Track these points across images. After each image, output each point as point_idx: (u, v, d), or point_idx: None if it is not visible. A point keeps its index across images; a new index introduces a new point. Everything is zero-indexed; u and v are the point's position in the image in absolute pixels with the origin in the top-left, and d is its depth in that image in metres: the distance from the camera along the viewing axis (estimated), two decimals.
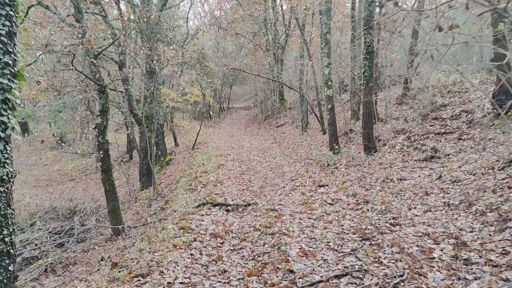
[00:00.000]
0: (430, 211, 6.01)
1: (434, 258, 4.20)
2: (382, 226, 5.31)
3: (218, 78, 30.32)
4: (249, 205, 7.30)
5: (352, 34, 17.74)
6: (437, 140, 10.99)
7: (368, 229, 5.23)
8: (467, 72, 17.98)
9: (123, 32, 12.48)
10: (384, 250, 4.48)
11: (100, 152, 9.46)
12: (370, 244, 4.72)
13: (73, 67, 8.70)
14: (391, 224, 5.41)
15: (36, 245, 9.29)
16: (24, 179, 22.16)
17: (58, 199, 16.99)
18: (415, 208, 6.25)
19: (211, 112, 33.53)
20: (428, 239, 4.77)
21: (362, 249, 4.58)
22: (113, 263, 4.61)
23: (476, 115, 11.32)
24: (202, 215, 6.64)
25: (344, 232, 5.27)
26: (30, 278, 7.63)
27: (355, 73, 17.83)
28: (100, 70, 9.58)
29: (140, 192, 15.36)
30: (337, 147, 12.89)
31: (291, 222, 6.02)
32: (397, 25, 15.25)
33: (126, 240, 6.99)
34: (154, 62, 10.80)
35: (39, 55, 13.75)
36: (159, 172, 18.81)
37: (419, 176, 8.25)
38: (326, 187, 8.42)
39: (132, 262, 4.49)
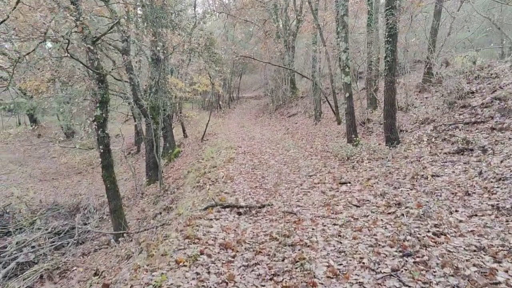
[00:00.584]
0: (476, 215, 5.13)
1: (499, 283, 3.34)
2: (424, 237, 4.45)
3: (227, 66, 29.39)
4: (263, 206, 6.48)
5: (368, 18, 16.62)
6: (468, 130, 10.01)
7: (408, 241, 4.38)
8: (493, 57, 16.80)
9: (125, 17, 11.63)
10: (434, 271, 3.63)
11: (100, 147, 8.69)
12: (414, 262, 3.87)
13: (68, 54, 7.90)
14: (434, 233, 4.55)
15: (33, 247, 8.60)
16: (31, 172, 21.69)
17: (63, 194, 16.42)
18: (456, 211, 5.37)
19: (220, 102, 32.63)
20: (484, 254, 3.90)
21: (405, 269, 3.73)
22: (103, 285, 3.83)
23: (510, 103, 10.31)
24: (211, 219, 5.84)
25: (379, 244, 4.42)
26: (24, 286, 6.95)
27: (372, 59, 16.81)
28: (99, 58, 8.77)
29: (147, 186, 14.65)
30: (356, 138, 11.98)
31: (313, 229, 5.19)
32: (419, 4, 14.17)
33: (126, 246, 6.23)
34: (159, 48, 9.95)
35: (38, 44, 13.00)
36: (167, 165, 18.11)
37: (453, 172, 7.33)
38: (349, 184, 7.56)
39: (125, 286, 3.71)
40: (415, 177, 7.31)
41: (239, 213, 6.21)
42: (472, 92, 12.19)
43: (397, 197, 6.21)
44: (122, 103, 21.61)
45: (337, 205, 6.16)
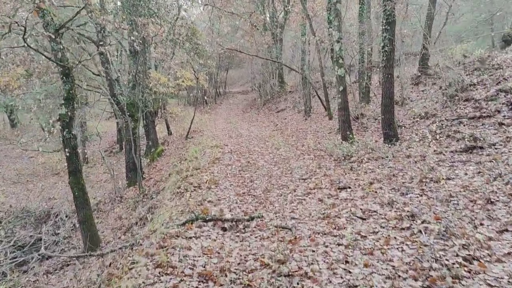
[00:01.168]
0: (506, 230, 4.28)
1: None
2: (453, 264, 3.57)
3: (212, 59, 28.33)
4: (253, 219, 5.55)
5: (360, 7, 15.71)
6: (473, 125, 9.21)
7: (435, 270, 3.49)
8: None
9: (97, 4, 10.52)
10: None
11: (66, 149, 7.64)
12: None
13: (25, 44, 6.83)
14: (464, 258, 3.67)
15: None
16: (4, 173, 20.42)
17: (37, 198, 15.22)
18: (482, 225, 4.52)
19: (206, 98, 31.56)
20: None
21: None
22: None
23: None
24: (190, 238, 4.89)
25: (399, 275, 3.53)
26: None
27: (364, 50, 15.96)
28: (63, 48, 7.68)
29: (127, 189, 13.57)
30: (351, 135, 11.12)
31: (313, 251, 4.28)
32: None
33: (92, 269, 5.24)
34: (133, 38, 8.90)
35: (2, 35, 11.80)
36: (149, 165, 17.04)
37: (466, 174, 6.50)
38: (349, 190, 6.66)
39: None
40: (424, 180, 6.45)
41: (224, 229, 5.26)
42: (473, 84, 11.41)
43: (407, 206, 5.34)
44: (101, 99, 20.41)
45: (339, 217, 5.26)
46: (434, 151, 8.33)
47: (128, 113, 12.72)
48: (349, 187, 6.77)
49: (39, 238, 9.15)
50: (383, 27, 9.71)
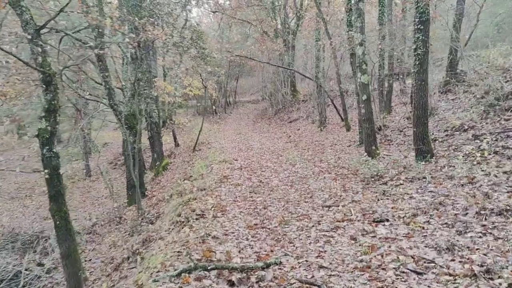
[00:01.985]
0: None
1: None
2: None
3: (221, 67, 27.30)
4: (269, 266, 4.27)
5: (380, 10, 14.44)
6: None
7: None
8: None
9: (95, 6, 9.44)
10: None
11: (46, 170, 6.47)
12: None
13: None
14: None
15: None
16: (5, 187, 19.47)
17: (32, 217, 14.16)
18: None
19: (215, 107, 30.49)
20: None
21: None
22: None
23: None
24: None
25: None
26: None
27: (384, 55, 14.69)
28: (46, 52, 6.57)
29: (127, 208, 12.41)
30: (376, 150, 9.83)
31: None
32: None
33: None
34: (128, 40, 7.76)
35: None
36: (153, 180, 15.91)
37: None
38: (387, 223, 5.35)
39: None
40: (482, 212, 5.11)
41: (231, 283, 3.99)
42: None
43: (474, 253, 4.02)
44: (105, 109, 19.39)
45: (384, 269, 3.94)
46: (482, 171, 6.98)
47: (128, 125, 11.60)
48: (387, 220, 5.45)
49: (20, 271, 7.97)
50: (416, 27, 8.44)
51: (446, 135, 10.13)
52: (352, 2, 10.33)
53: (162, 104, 23.46)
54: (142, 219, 9.69)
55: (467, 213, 5.24)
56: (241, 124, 26.72)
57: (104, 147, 28.62)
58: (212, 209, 6.82)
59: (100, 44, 10.97)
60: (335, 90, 22.21)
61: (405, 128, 12.52)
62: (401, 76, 16.42)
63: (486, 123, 9.31)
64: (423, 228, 4.95)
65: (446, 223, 5.01)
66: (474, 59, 12.69)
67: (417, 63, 8.50)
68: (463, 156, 7.89)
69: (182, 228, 6.08)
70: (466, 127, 9.72)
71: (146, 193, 13.10)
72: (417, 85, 8.61)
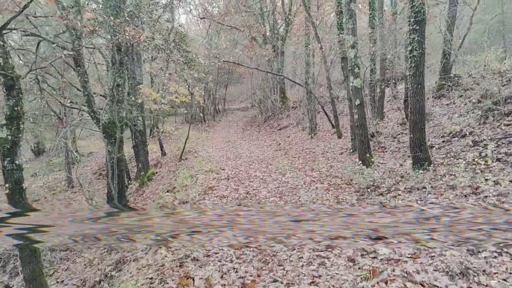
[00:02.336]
0: None
1: None
2: None
3: (210, 74, 26.73)
4: None
5: (371, 13, 14.02)
6: None
7: None
8: None
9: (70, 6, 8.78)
10: None
11: (7, 185, 5.79)
12: None
13: None
14: None
15: None
16: None
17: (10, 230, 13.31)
18: None
19: (201, 114, 29.90)
20: None
21: None
22: None
23: None
24: None
25: None
26: None
27: (377, 60, 14.26)
28: (8, 53, 5.93)
29: None
30: (370, 158, 9.30)
31: None
32: None
33: None
34: (103, 42, 7.16)
35: None
36: (137, 191, 15.19)
37: None
38: (387, 241, 4.78)
39: None
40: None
41: None
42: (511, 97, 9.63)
43: (492, 278, 3.46)
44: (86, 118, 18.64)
45: None
46: (486, 180, 6.47)
47: (108, 133, 10.93)
48: (385, 237, 4.88)
49: None
50: (411, 27, 7.96)
51: (443, 141, 9.65)
52: (343, 2, 9.84)
53: (150, 112, 22.84)
54: None
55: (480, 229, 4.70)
56: (230, 132, 26.12)
57: (89, 157, 27.80)
58: (192, 229, 6.18)
59: (76, 47, 10.36)
60: (326, 97, 21.78)
61: (399, 134, 12.05)
62: (393, 81, 16.00)
63: (485, 129, 8.84)
64: (429, 248, 4.39)
65: (455, 242, 4.45)
66: (469, 63, 12.28)
67: (413, 65, 8.01)
68: (464, 164, 7.38)
69: (160, 248, 5.43)
70: (464, 133, 9.25)
71: (128, 205, 12.38)
72: (413, 89, 8.11)
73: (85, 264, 8.50)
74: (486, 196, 5.77)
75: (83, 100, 17.56)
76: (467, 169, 7.28)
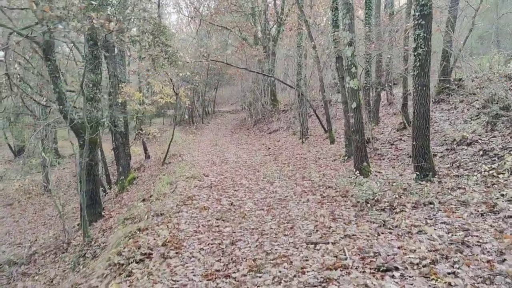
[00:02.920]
0: None
1: None
2: None
3: (198, 74, 25.79)
4: None
5: (367, 13, 13.23)
6: None
7: None
8: None
9: None
10: None
11: None
12: None
13: None
14: None
15: None
16: None
17: None
18: None
19: (187, 117, 29.02)
20: None
21: None
22: None
23: None
24: None
25: None
26: None
27: (372, 61, 13.47)
28: None
29: (79, 231, 10.64)
30: (368, 167, 8.45)
31: None
32: None
33: None
34: (66, 33, 6.20)
35: None
36: (116, 197, 14.19)
37: None
38: (396, 274, 3.88)
39: None
40: None
41: None
42: None
43: None
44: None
45: None
46: (502, 196, 5.64)
47: (82, 134, 9.98)
48: (396, 268, 3.98)
49: None
50: (416, 22, 7.13)
51: (447, 149, 8.85)
52: None
53: (136, 113, 21.79)
54: (88, 247, 8.01)
55: (504, 260, 3.83)
56: (218, 135, 25.16)
57: (70, 158, 26.58)
58: (164, 245, 5.24)
59: (47, 40, 9.38)
60: (318, 100, 20.99)
61: (396, 141, 11.25)
62: (390, 84, 15.24)
63: (494, 137, 8.05)
64: (450, 284, 3.50)
65: (480, 276, 3.57)
66: (472, 65, 11.53)
67: (418, 64, 7.18)
68: (476, 176, 6.54)
69: (119, 274, 4.48)
70: (469, 141, 8.45)
71: (103, 213, 11.39)
72: (417, 91, 7.28)
73: (45, 283, 7.49)
74: (506, 216, 4.93)
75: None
76: (478, 182, 6.46)
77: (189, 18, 32.53)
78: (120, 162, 15.97)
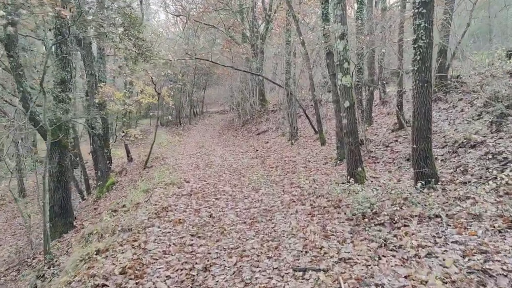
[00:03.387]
0: None
1: None
2: None
3: (182, 71, 24.84)
4: None
5: (358, 7, 12.49)
6: None
7: None
8: None
9: None
10: None
11: None
12: None
13: None
14: None
15: None
16: None
17: None
18: None
19: (169, 117, 28.16)
20: None
21: None
22: None
23: None
24: None
25: None
26: None
27: (364, 58, 12.71)
28: None
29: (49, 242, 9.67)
30: (362, 172, 7.65)
31: None
32: None
33: None
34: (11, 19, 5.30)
35: None
36: (93, 204, 13.21)
37: None
38: None
39: None
40: None
41: None
42: None
43: None
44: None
45: None
46: None
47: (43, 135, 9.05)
48: None
49: None
50: (416, 11, 6.34)
51: (448, 152, 8.09)
52: None
53: (122, 115, 20.86)
54: (49, 266, 7.09)
55: None
56: (205, 136, 24.27)
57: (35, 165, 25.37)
58: (124, 273, 4.36)
59: (8, 34, 8.43)
60: (307, 100, 20.22)
61: (392, 142, 10.49)
62: (383, 82, 14.50)
63: (501, 138, 7.31)
64: None
65: None
66: (471, 60, 10.82)
67: (418, 58, 6.38)
68: (488, 184, 5.76)
69: None
70: (473, 143, 7.70)
71: (74, 223, 10.45)
72: (417, 88, 6.48)
73: None
74: None
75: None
76: (485, 189, 5.68)
77: (176, 17, 31.55)
78: (98, 166, 15.01)
